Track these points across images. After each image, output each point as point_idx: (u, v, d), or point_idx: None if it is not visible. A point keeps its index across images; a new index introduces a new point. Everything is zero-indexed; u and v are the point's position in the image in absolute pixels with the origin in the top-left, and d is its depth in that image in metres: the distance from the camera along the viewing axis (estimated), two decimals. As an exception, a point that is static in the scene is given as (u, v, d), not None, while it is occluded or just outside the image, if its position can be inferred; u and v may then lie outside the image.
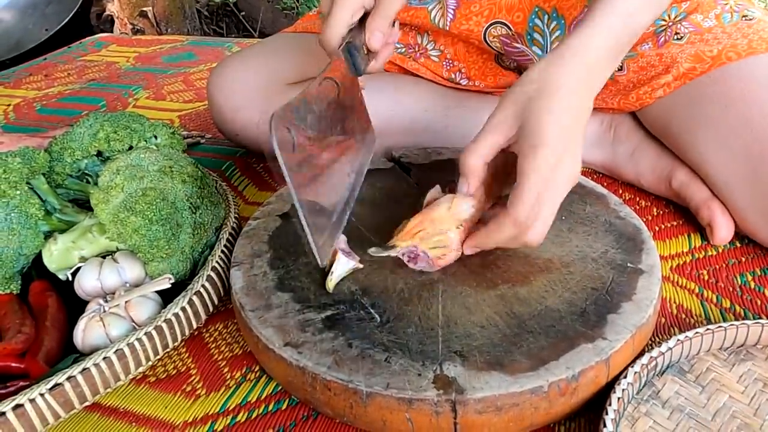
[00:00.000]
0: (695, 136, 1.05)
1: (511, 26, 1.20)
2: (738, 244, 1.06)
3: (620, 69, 1.17)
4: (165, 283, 0.91)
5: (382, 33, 0.93)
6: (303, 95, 0.79)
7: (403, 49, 1.34)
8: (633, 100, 1.15)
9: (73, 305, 0.95)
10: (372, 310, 0.83)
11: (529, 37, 1.20)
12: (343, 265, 0.88)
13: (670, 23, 1.14)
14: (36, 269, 1.01)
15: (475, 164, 0.85)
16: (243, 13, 3.67)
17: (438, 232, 0.86)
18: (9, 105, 1.96)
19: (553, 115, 0.79)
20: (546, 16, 1.18)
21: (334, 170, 0.87)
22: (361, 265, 0.90)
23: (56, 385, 0.77)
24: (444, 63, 1.33)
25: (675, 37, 1.12)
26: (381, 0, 0.93)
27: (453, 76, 1.32)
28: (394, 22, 0.96)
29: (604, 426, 0.70)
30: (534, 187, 0.78)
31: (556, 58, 0.83)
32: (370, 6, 0.92)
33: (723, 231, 1.04)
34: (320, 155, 0.83)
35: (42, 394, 0.76)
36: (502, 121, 0.83)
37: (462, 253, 0.88)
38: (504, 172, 0.89)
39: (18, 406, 0.74)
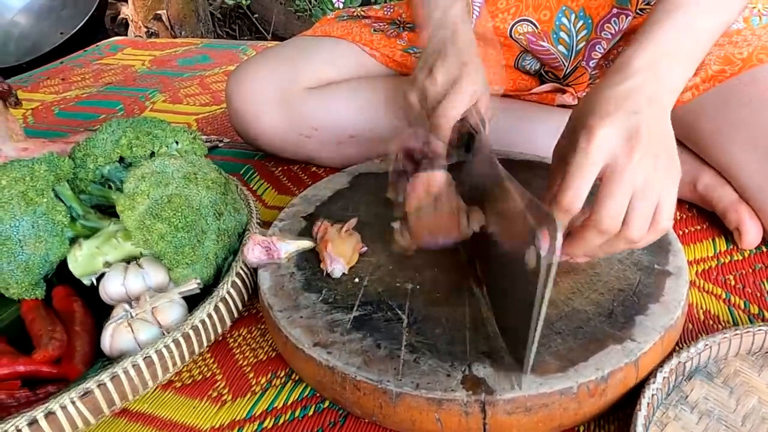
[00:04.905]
0: (725, 139, 1.05)
1: (537, 24, 1.20)
2: (765, 249, 1.06)
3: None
4: (193, 287, 0.91)
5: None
6: None
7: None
8: (659, 103, 1.14)
9: (94, 310, 0.97)
10: (399, 311, 0.83)
11: (555, 36, 1.20)
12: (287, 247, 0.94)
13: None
14: (56, 275, 1.01)
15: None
16: (256, 16, 3.68)
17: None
18: (28, 109, 1.97)
19: (611, 91, 0.77)
20: (573, 16, 1.18)
21: None
22: (311, 244, 0.96)
23: (87, 391, 0.77)
24: (463, 66, 1.33)
25: None
26: (483, 95, 0.96)
27: (471, 79, 1.32)
28: None
29: (635, 431, 0.70)
30: (605, 179, 0.72)
31: (616, 66, 0.80)
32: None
33: (752, 234, 1.03)
34: None
35: (73, 401, 0.76)
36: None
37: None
38: None
39: (50, 413, 0.75)
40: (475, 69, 0.95)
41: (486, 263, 0.88)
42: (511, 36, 1.23)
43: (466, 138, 0.96)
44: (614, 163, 0.72)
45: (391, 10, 1.37)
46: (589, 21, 1.17)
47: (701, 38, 0.83)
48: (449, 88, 0.93)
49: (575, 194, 0.72)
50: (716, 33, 0.85)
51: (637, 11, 1.16)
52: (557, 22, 1.19)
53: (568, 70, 1.24)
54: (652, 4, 1.14)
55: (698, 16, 0.82)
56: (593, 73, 1.25)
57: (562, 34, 1.20)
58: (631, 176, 0.72)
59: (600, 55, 1.22)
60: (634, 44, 0.81)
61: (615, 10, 1.16)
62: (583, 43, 1.20)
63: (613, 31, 1.19)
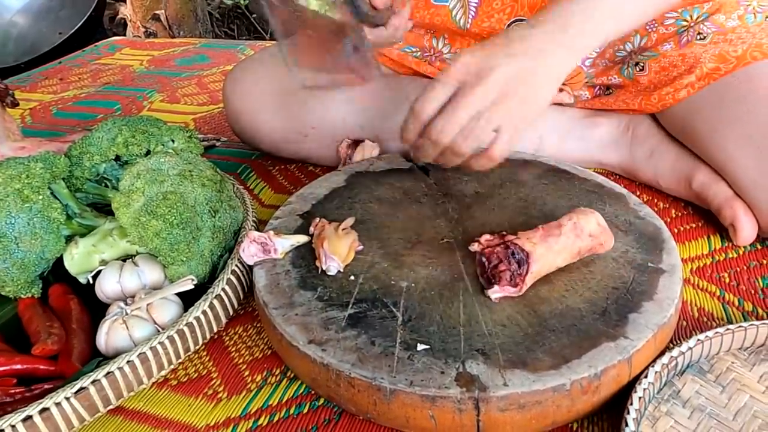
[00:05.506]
0: (720, 136, 1.05)
1: None
2: (759, 247, 1.06)
3: (641, 69, 1.17)
4: (188, 285, 0.92)
5: None
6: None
7: (419, 53, 1.34)
8: (655, 101, 1.15)
9: (90, 308, 0.97)
10: (394, 309, 0.83)
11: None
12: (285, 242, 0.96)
13: (692, 23, 1.13)
14: (52, 273, 1.02)
15: None
16: (254, 15, 3.68)
17: None
18: (25, 109, 1.97)
19: (514, 32, 0.91)
20: None
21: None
22: (306, 238, 0.97)
23: (81, 388, 0.77)
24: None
25: (698, 37, 1.12)
26: None
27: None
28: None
29: (626, 425, 0.70)
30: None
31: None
32: None
33: (747, 230, 1.03)
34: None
35: (67, 398, 0.76)
36: None
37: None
38: None
39: (44, 409, 0.75)
40: None
41: None
42: None
43: None
44: (462, 88, 0.87)
45: (388, 10, 1.37)
46: None
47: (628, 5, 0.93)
48: None
49: (424, 103, 0.90)
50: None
51: None
52: None
53: (563, 69, 1.24)
54: None
55: None
56: (589, 71, 1.25)
57: None
58: (467, 103, 0.87)
59: (595, 54, 1.22)
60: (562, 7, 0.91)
61: None
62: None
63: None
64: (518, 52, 0.88)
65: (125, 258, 0.99)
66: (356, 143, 1.25)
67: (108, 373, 0.79)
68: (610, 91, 1.25)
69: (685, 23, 1.14)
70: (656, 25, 1.17)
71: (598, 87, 1.27)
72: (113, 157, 1.05)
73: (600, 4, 0.91)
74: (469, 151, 0.90)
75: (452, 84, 0.89)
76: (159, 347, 0.84)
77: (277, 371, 0.90)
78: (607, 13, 0.91)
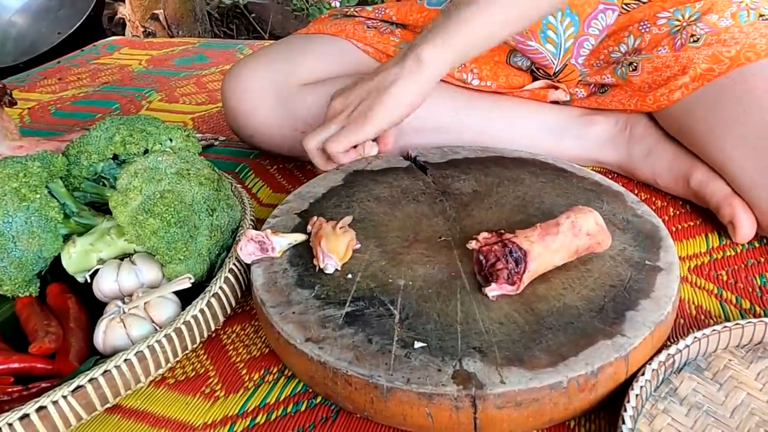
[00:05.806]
0: (717, 136, 1.05)
1: None
2: (757, 245, 1.06)
3: (634, 69, 1.17)
4: (185, 283, 0.92)
5: None
6: None
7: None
8: (650, 101, 1.15)
9: (88, 307, 0.97)
10: (391, 307, 0.83)
11: (542, 34, 1.20)
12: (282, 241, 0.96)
13: (685, 23, 1.13)
14: (50, 272, 1.02)
15: None
16: (253, 15, 3.68)
17: None
18: (24, 108, 1.97)
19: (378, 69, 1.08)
20: (560, 13, 1.18)
21: None
22: (304, 237, 0.97)
23: (78, 387, 0.77)
24: (456, 63, 1.35)
25: (691, 40, 1.12)
26: None
27: (464, 76, 1.32)
28: None
29: (623, 423, 0.70)
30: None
31: None
32: None
33: (746, 228, 1.03)
34: None
35: (65, 396, 0.76)
36: None
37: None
38: None
39: (41, 408, 0.75)
40: None
41: None
42: None
43: None
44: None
45: (382, 13, 1.36)
46: (576, 18, 1.18)
47: (475, 38, 1.05)
48: None
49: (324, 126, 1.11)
50: (494, 37, 1.08)
51: (623, 6, 1.16)
52: (544, 21, 1.19)
53: (557, 68, 1.24)
54: None
55: (482, 18, 1.03)
56: (583, 69, 1.25)
57: (550, 33, 1.20)
58: (327, 112, 1.11)
59: (588, 52, 1.23)
60: (424, 33, 1.06)
61: (601, 6, 1.17)
62: (571, 41, 1.21)
63: (600, 27, 1.19)
64: (380, 70, 1.06)
65: (123, 257, 0.99)
66: None
67: (105, 371, 0.79)
68: (605, 89, 1.25)
69: (677, 23, 1.14)
70: (649, 25, 1.17)
71: (593, 85, 1.27)
72: (111, 156, 1.05)
73: (466, 23, 1.02)
74: (323, 138, 1.09)
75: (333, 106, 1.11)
76: (156, 346, 0.84)
77: (275, 369, 0.90)
78: (474, 30, 1.03)
